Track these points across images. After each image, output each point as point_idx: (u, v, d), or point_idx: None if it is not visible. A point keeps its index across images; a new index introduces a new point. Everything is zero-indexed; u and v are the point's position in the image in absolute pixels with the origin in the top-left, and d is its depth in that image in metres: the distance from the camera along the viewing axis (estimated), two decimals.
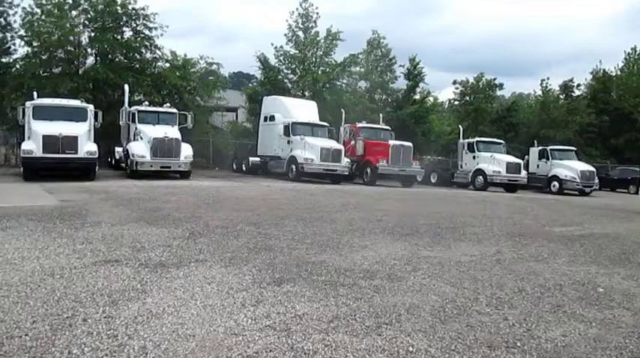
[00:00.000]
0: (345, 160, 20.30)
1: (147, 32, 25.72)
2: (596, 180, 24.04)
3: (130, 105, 19.83)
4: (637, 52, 39.55)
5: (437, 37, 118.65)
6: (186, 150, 17.59)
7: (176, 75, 25.90)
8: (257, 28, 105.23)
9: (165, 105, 20.28)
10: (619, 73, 40.20)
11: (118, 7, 24.90)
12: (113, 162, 21.07)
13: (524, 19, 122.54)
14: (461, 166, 24.70)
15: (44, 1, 23.80)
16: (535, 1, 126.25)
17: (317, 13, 30.79)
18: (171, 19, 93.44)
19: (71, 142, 14.59)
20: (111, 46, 24.63)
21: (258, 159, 23.02)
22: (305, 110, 22.44)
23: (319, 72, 30.71)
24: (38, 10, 23.77)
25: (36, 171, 14.62)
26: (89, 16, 24.92)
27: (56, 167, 14.62)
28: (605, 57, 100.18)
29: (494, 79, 38.75)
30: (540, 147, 25.69)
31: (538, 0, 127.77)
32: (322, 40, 30.74)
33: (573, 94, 38.80)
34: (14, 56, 25.00)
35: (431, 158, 29.17)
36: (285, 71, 31.57)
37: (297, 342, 3.15)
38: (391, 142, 21.61)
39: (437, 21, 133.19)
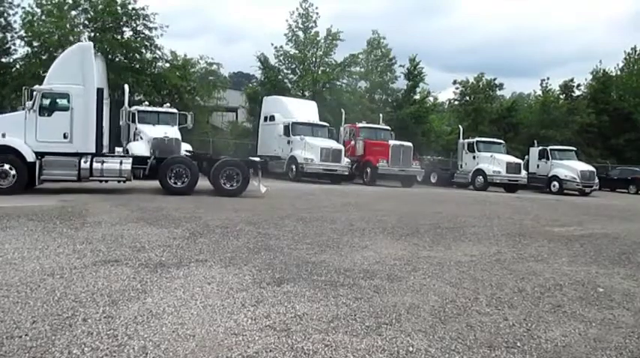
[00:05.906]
0: (345, 160, 20.30)
1: (147, 32, 25.79)
2: (596, 180, 24.00)
3: (130, 105, 19.82)
4: (637, 52, 39.54)
5: (438, 37, 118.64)
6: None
7: (176, 75, 25.91)
8: (257, 29, 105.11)
9: (165, 105, 20.28)
10: (619, 73, 40.21)
11: (118, 7, 24.92)
12: None
13: (525, 20, 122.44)
14: (461, 166, 24.67)
15: (44, 1, 23.83)
16: (537, 2, 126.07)
17: (317, 13, 30.84)
18: (178, 19, 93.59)
19: None
20: (111, 46, 24.60)
21: (258, 159, 22.97)
22: (305, 110, 22.41)
23: (319, 72, 30.71)
24: (38, 10, 23.82)
25: None
26: (89, 16, 24.94)
27: None
28: (606, 57, 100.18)
29: (495, 79, 38.82)
30: (540, 147, 25.65)
31: (540, 0, 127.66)
32: (322, 40, 30.76)
33: (573, 94, 38.79)
34: (14, 56, 25.11)
35: (431, 158, 29.11)
36: (285, 71, 31.59)
37: (297, 342, 3.15)
38: (391, 142, 21.60)
39: (438, 22, 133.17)
